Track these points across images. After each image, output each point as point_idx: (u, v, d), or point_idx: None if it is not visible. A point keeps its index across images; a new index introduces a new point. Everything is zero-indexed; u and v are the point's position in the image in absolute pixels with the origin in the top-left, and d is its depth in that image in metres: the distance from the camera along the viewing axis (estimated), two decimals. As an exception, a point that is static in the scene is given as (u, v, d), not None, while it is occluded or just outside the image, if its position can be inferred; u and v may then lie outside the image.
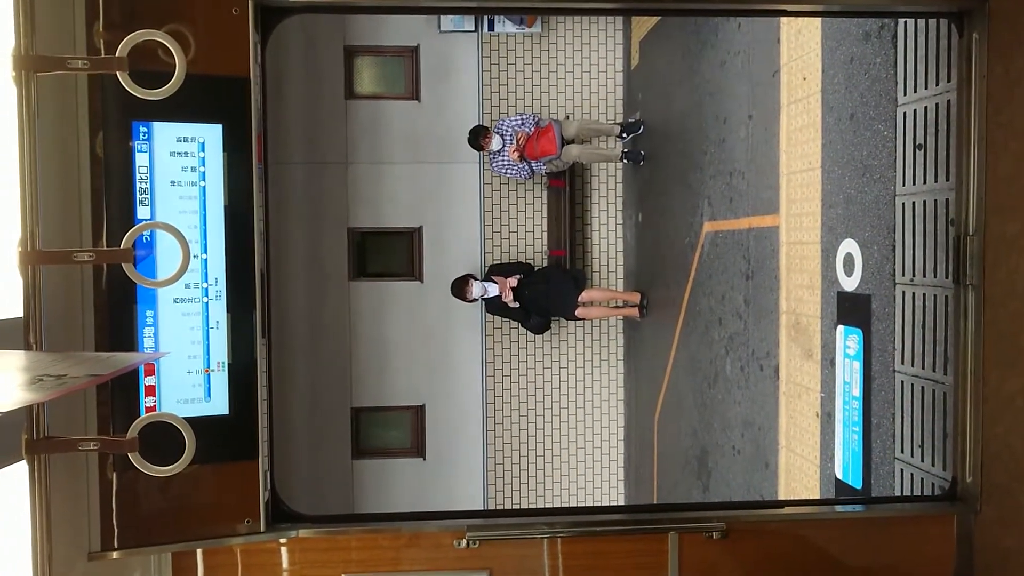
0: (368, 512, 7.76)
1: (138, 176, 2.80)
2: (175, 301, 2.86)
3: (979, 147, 3.12)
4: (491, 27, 8.21)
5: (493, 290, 7.96)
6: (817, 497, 4.90)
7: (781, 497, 5.32)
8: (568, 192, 8.63)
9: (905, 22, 4.04)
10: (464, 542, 3.05)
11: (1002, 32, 3.07)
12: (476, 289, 7.88)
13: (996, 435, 3.13)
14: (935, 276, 3.94)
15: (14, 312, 2.47)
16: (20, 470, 2.46)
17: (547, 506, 8.61)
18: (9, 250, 2.45)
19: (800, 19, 5.04)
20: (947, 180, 3.74)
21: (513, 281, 7.93)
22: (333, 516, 3.16)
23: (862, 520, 3.23)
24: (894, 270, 4.31)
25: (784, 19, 5.22)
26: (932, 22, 3.76)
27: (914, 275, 4.14)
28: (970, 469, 3.17)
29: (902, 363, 4.25)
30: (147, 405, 2.84)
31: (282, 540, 3.05)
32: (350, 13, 7.24)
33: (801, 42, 5.16)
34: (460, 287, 7.88)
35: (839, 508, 3.77)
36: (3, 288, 2.46)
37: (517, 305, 8.02)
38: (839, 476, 4.76)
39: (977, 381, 3.14)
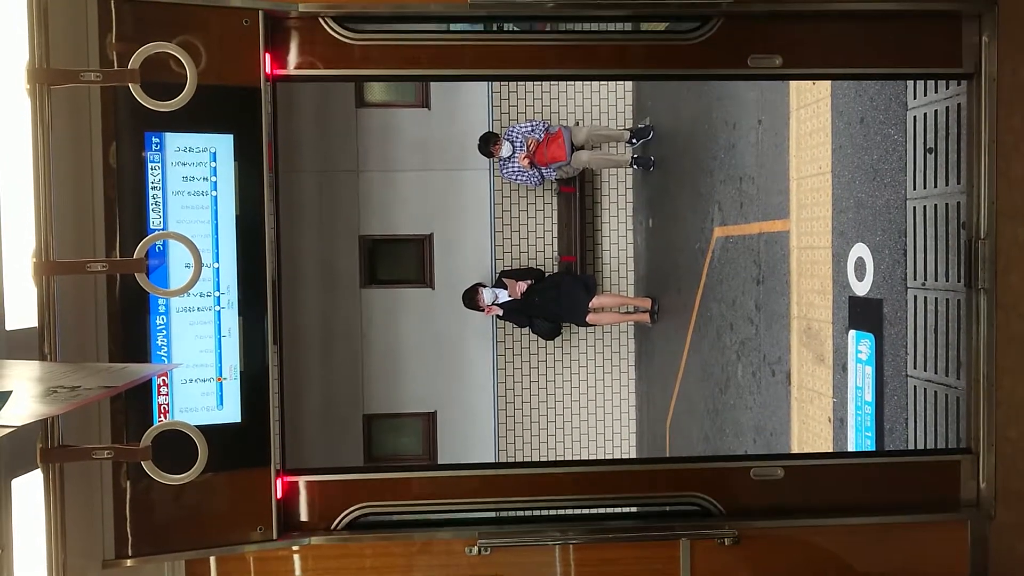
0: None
1: (150, 186, 2.83)
2: (187, 310, 2.88)
3: (990, 150, 3.10)
4: (500, 34, 8.23)
5: (504, 295, 7.97)
6: (830, 503, 4.86)
7: (794, 503, 5.29)
8: (578, 198, 8.64)
9: (914, 26, 4.03)
10: (476, 549, 3.05)
11: (1012, 35, 3.06)
12: (487, 296, 7.89)
13: (1009, 439, 3.11)
14: (947, 280, 3.92)
15: (29, 322, 2.50)
16: (35, 479, 2.48)
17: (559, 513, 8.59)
18: (24, 261, 2.47)
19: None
20: (958, 184, 3.73)
21: (523, 285, 7.94)
22: (345, 524, 3.17)
23: (875, 526, 3.22)
24: (906, 274, 4.30)
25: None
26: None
27: (926, 279, 4.12)
28: (984, 475, 3.15)
29: (914, 368, 4.23)
30: (160, 413, 2.86)
31: (295, 547, 3.06)
32: (360, 23, 7.27)
33: (810, 46, 5.15)
34: (472, 297, 7.90)
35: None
36: (18, 298, 2.48)
37: (500, 312, 8.03)
38: (852, 481, 4.73)
39: (990, 386, 3.12)
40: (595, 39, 3.21)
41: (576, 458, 8.74)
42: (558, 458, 8.72)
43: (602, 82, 8.64)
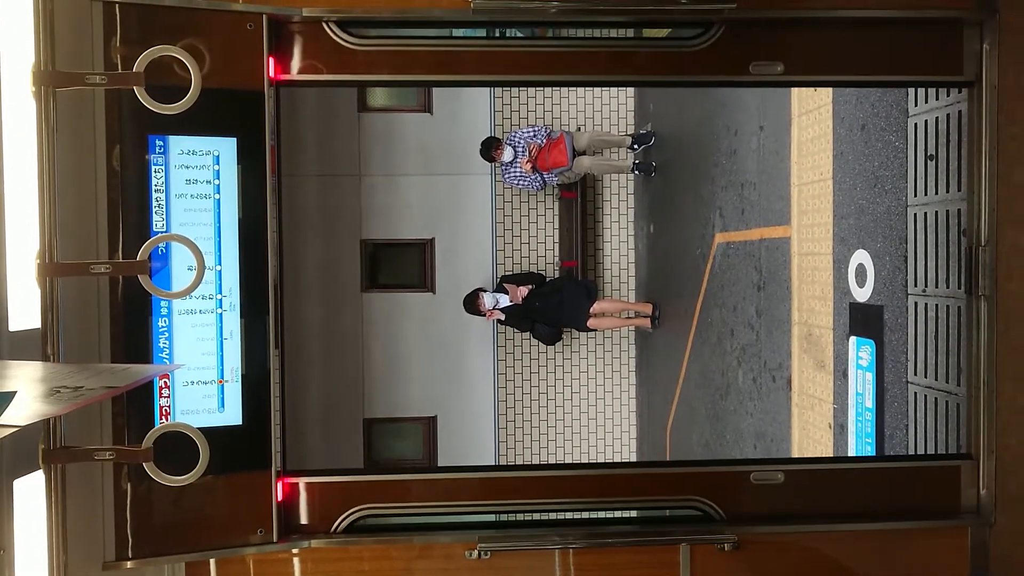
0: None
1: (154, 189, 2.84)
2: (189, 312, 2.89)
3: (991, 157, 3.12)
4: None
5: (504, 300, 7.98)
6: (830, 509, 4.86)
7: (794, 509, 5.29)
8: (580, 203, 8.65)
9: (916, 33, 4.05)
10: (476, 553, 3.05)
11: (1014, 43, 3.07)
12: (488, 300, 7.90)
13: (1009, 446, 3.11)
14: (947, 287, 3.93)
15: (32, 324, 2.50)
16: (37, 480, 2.48)
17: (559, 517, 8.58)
18: (28, 262, 2.48)
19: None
20: (959, 190, 3.74)
21: (524, 290, 7.95)
22: (345, 527, 3.17)
23: (876, 532, 3.22)
24: (906, 281, 4.30)
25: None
26: (943, 33, 3.76)
27: (926, 286, 4.12)
28: (984, 481, 3.15)
29: (915, 374, 4.23)
30: (161, 415, 2.86)
31: (295, 550, 3.06)
32: (363, 27, 7.29)
33: (812, 53, 5.17)
34: (472, 302, 7.91)
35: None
36: (22, 300, 2.49)
37: (501, 317, 8.04)
38: (852, 488, 4.73)
39: (990, 392, 3.13)
40: (598, 45, 3.23)
41: (577, 463, 8.74)
42: (558, 463, 8.72)
43: (604, 87, 8.65)
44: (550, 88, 8.57)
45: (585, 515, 3.28)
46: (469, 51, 3.19)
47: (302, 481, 3.11)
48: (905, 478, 3.26)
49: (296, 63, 3.05)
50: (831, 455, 4.94)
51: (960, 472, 3.19)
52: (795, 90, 5.36)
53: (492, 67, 3.17)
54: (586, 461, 8.77)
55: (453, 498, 3.20)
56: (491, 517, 3.29)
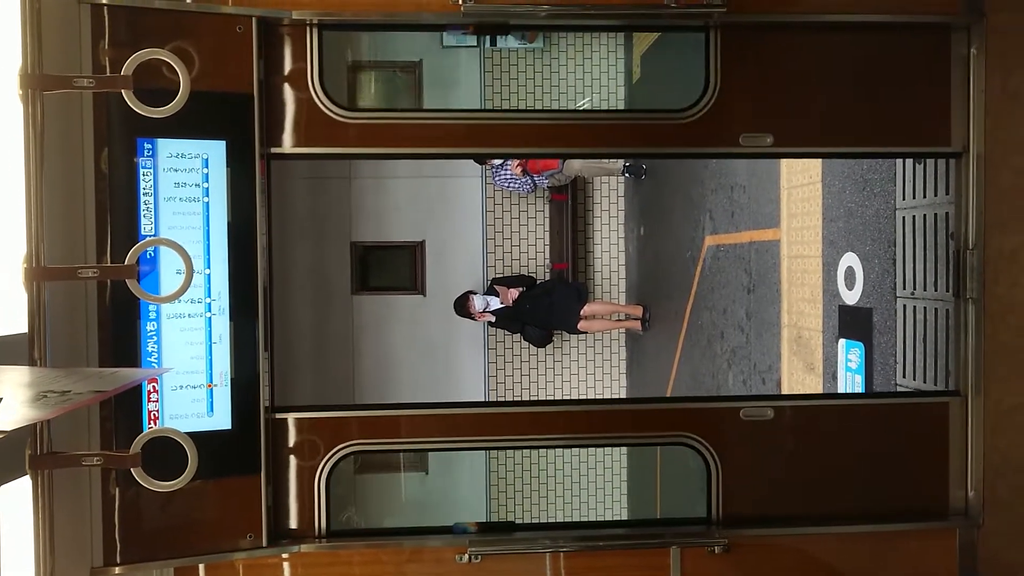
0: (371, 527, 7.73)
1: (142, 192, 2.82)
2: (178, 316, 2.88)
3: (978, 161, 3.13)
4: (493, 42, 8.26)
5: (495, 302, 7.98)
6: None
7: (784, 511, 5.30)
8: (570, 206, 8.66)
9: (904, 37, 4.07)
10: (466, 557, 3.05)
11: (1000, 47, 3.09)
12: (479, 303, 7.90)
13: (998, 448, 3.13)
14: (936, 290, 3.95)
15: (19, 328, 2.49)
16: (24, 485, 2.47)
17: (550, 521, 8.58)
18: (14, 266, 2.47)
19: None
20: (947, 194, 3.76)
21: (515, 292, 7.96)
22: (335, 531, 3.16)
23: (865, 535, 3.23)
24: (895, 284, 4.33)
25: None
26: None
27: (915, 289, 4.15)
28: (972, 483, 3.16)
29: (904, 376, 4.25)
30: (150, 420, 2.85)
31: (284, 555, 3.05)
32: (353, 30, 7.29)
33: (801, 57, 5.19)
34: (463, 304, 7.90)
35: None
36: (8, 304, 2.47)
37: (492, 319, 8.05)
38: (842, 490, 4.75)
39: (978, 395, 3.14)
40: (590, 118, 3.23)
41: (567, 466, 8.74)
42: (548, 466, 8.72)
43: (595, 89, 8.67)
44: (541, 90, 8.58)
45: (578, 451, 3.29)
46: (458, 124, 3.23)
47: (291, 417, 3.10)
48: (893, 414, 3.27)
49: (288, 136, 3.05)
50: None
51: (948, 408, 3.20)
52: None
53: (481, 140, 3.20)
54: (576, 463, 8.77)
55: (445, 435, 3.19)
56: (482, 453, 3.29)
